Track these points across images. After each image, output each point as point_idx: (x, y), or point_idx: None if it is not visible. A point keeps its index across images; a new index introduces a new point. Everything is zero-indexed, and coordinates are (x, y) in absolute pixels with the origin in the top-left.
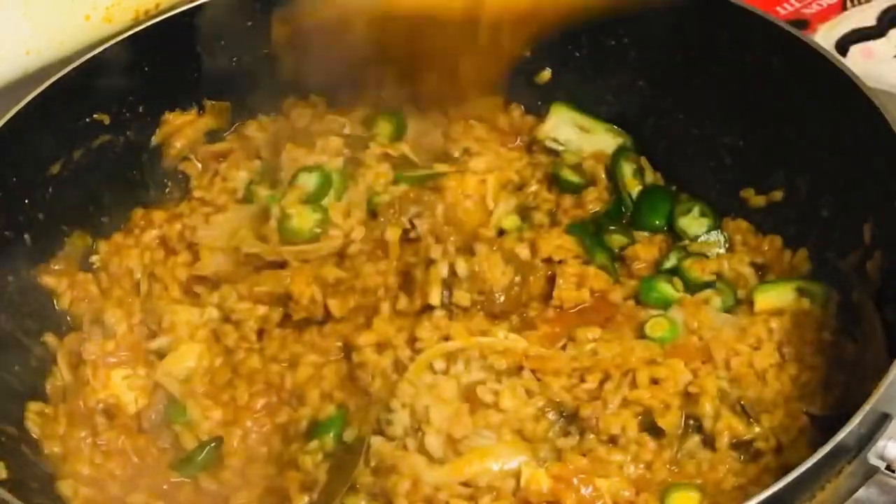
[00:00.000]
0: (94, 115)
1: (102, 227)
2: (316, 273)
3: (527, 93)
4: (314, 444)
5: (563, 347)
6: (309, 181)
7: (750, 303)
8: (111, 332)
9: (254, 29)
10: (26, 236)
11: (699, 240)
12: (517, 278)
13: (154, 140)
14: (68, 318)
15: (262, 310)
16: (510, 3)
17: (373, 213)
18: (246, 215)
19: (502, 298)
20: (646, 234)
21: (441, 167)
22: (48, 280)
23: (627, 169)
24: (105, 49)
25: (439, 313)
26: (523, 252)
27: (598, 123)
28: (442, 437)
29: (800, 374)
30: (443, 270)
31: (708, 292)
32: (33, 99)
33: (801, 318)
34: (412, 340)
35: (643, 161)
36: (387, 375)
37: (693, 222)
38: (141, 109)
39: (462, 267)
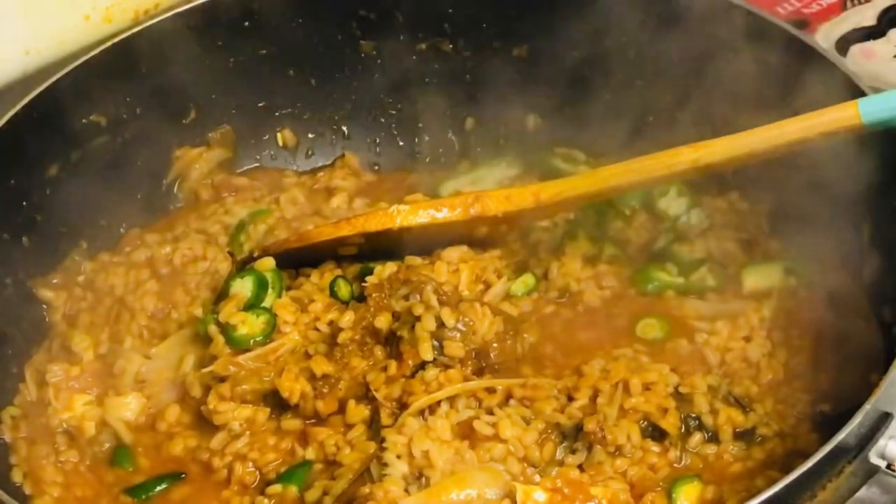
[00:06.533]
0: (91, 117)
1: (101, 233)
2: (303, 366)
3: None
4: (276, 487)
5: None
6: (245, 287)
7: (738, 281)
8: (77, 358)
9: (252, 29)
10: (24, 239)
11: (681, 219)
12: (509, 330)
13: (169, 177)
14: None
15: (245, 411)
16: (511, 206)
17: (360, 297)
18: (188, 340)
19: (496, 349)
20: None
21: (412, 259)
22: (46, 293)
23: None
24: (104, 49)
25: (433, 371)
26: (510, 309)
27: None
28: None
29: (789, 358)
30: (429, 323)
31: (702, 271)
32: (32, 99)
33: (788, 299)
34: (401, 399)
35: None
36: (357, 443)
37: (672, 202)
38: (139, 111)
39: (448, 316)
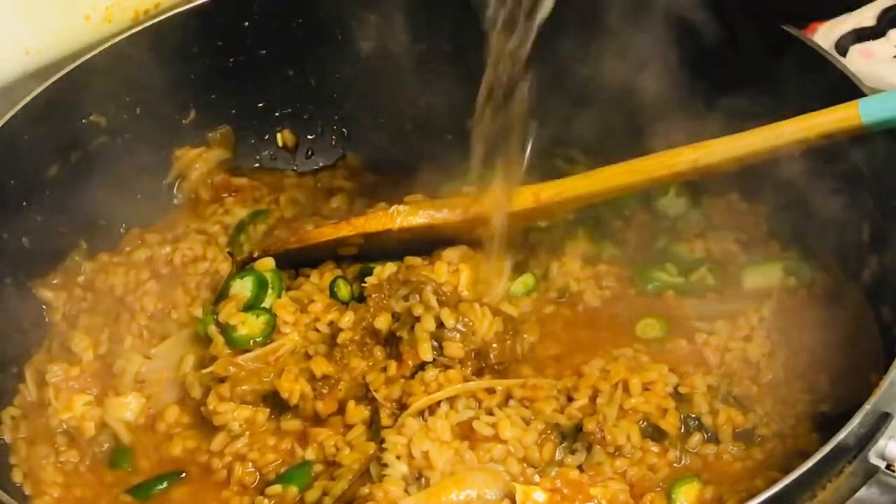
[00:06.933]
0: (91, 117)
1: (101, 233)
2: (303, 367)
3: None
4: (276, 487)
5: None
6: (244, 287)
7: (738, 281)
8: (77, 358)
9: (252, 29)
10: (24, 239)
11: (681, 219)
12: (509, 330)
13: (169, 177)
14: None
15: (245, 412)
16: (511, 206)
17: (360, 297)
18: (188, 340)
19: (496, 349)
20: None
21: (412, 259)
22: (46, 293)
23: None
24: (104, 49)
25: (432, 371)
26: (510, 309)
27: None
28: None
29: (789, 358)
30: (429, 324)
31: (702, 271)
32: (32, 99)
33: (788, 299)
34: (401, 400)
35: None
36: (356, 444)
37: (672, 202)
38: (139, 111)
39: (448, 316)
